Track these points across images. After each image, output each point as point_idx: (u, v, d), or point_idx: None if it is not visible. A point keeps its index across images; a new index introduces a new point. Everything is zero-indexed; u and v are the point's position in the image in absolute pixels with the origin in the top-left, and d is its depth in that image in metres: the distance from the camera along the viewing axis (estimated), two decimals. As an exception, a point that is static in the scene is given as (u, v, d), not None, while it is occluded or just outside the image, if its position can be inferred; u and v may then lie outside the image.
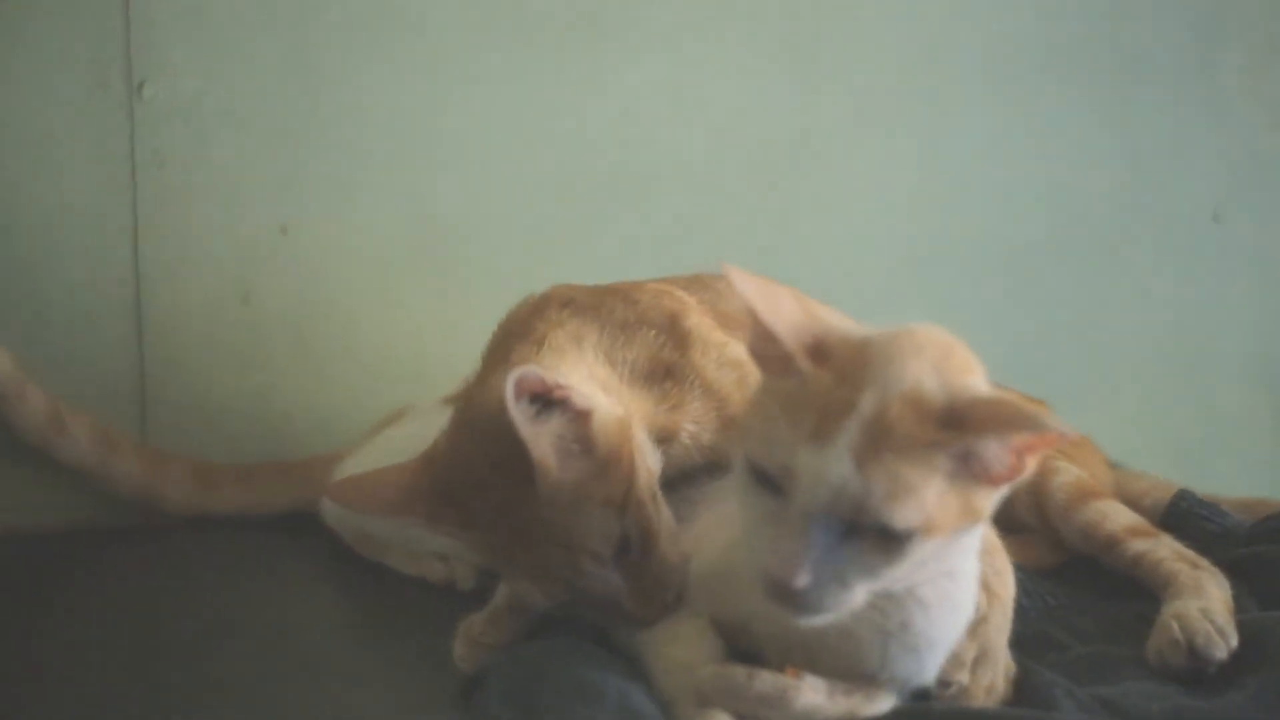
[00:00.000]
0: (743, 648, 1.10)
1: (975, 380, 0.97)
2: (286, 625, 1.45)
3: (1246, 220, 2.31)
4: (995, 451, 0.94)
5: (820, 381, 0.95)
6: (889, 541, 0.93)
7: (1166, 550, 1.37)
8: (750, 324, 0.99)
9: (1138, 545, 1.40)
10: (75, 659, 1.32)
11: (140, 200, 1.74)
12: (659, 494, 1.20)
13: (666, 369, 1.27)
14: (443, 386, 1.70)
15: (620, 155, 2.00)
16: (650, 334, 1.28)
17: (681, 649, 1.11)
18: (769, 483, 0.96)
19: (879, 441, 0.92)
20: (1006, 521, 1.22)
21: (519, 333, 1.28)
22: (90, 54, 1.72)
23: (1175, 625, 1.21)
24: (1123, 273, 2.26)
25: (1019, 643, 1.15)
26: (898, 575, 0.95)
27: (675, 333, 1.30)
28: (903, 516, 0.92)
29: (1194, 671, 1.19)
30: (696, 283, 1.42)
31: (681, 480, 1.27)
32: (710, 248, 2.00)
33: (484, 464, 1.14)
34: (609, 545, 1.15)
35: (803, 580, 0.93)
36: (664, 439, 1.26)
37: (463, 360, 1.72)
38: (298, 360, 1.85)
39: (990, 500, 0.97)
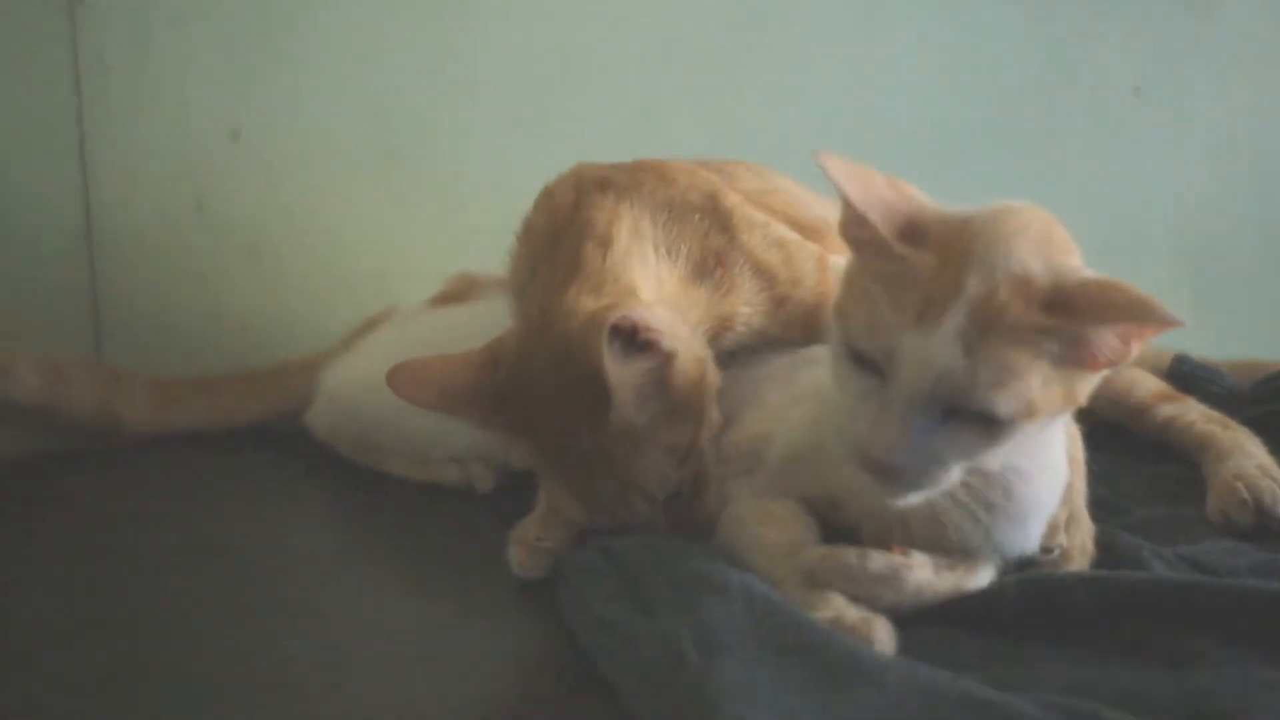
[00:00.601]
0: (835, 525, 1.10)
1: (1076, 262, 0.97)
2: (289, 546, 1.38)
3: (1167, 95, 2.36)
4: (1104, 337, 0.94)
5: (923, 263, 0.95)
6: (990, 425, 0.93)
7: (1196, 413, 1.42)
8: (842, 207, 0.98)
9: (1167, 409, 1.44)
10: (34, 592, 1.22)
11: (85, 110, 1.66)
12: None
13: (717, 257, 1.25)
14: (400, 289, 1.69)
15: (574, 46, 1.96)
16: (695, 218, 1.26)
17: (778, 532, 1.10)
18: (867, 364, 0.96)
19: (986, 326, 0.92)
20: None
21: (575, 229, 1.24)
22: (27, -44, 1.62)
23: (1240, 485, 1.25)
24: (1049, 151, 2.29)
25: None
26: (995, 456, 0.96)
27: (719, 214, 1.28)
28: (1007, 403, 0.92)
29: (1259, 529, 1.22)
30: (707, 166, 1.39)
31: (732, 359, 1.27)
32: (668, 136, 2.00)
33: (554, 382, 1.13)
34: (664, 489, 1.16)
35: (901, 460, 0.94)
36: (721, 330, 1.25)
37: (419, 261, 1.72)
38: (253, 268, 1.80)
39: (1092, 384, 0.97)
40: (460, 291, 1.61)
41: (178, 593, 1.21)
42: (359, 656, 1.07)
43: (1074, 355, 0.94)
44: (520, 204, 1.89)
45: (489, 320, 1.46)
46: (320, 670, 1.04)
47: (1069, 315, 0.92)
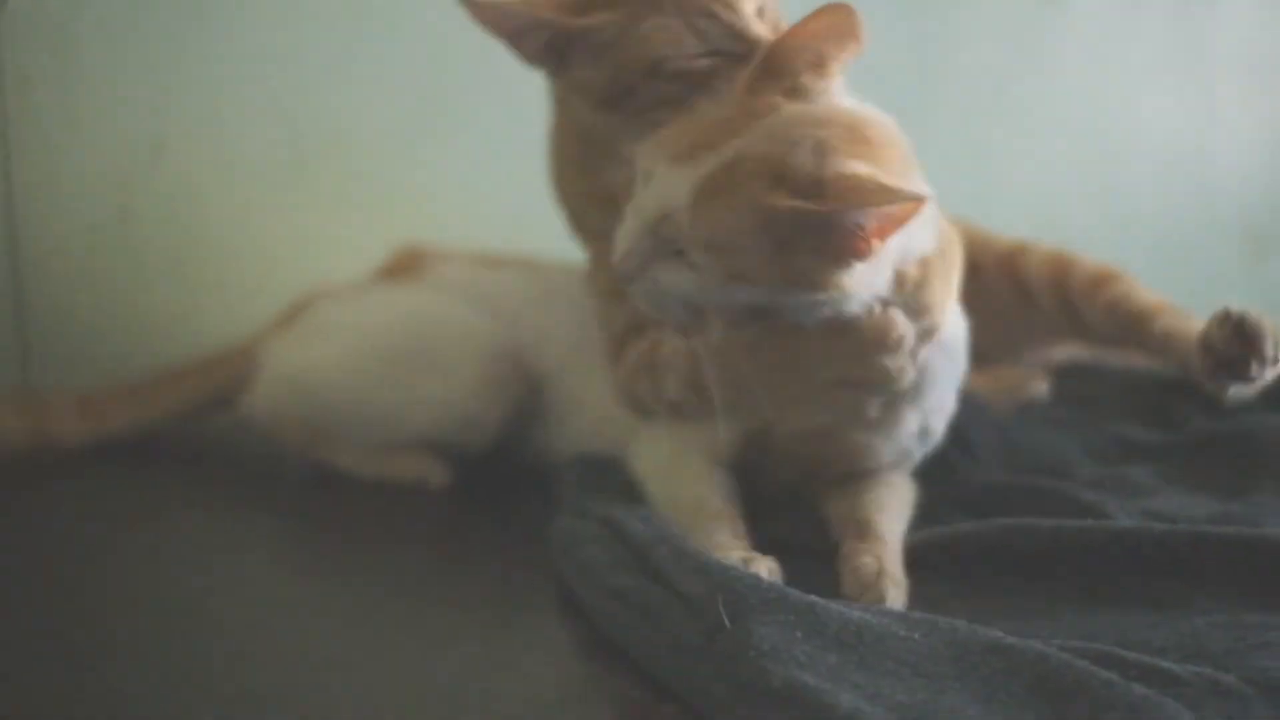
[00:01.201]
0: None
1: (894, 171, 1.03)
2: (221, 554, 1.31)
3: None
4: (847, 224, 0.98)
5: (731, 111, 1.05)
6: (694, 274, 1.02)
7: (1199, 322, 1.20)
8: None
9: (1166, 320, 1.28)
10: None
11: (9, 123, 1.64)
12: None
13: None
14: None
15: (479, 60, 1.97)
16: None
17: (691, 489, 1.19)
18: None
19: (725, 184, 1.00)
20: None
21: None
22: (-54, -36, 1.59)
23: (1230, 309, 1.12)
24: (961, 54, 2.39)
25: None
26: (724, 305, 1.05)
27: None
28: (709, 258, 1.01)
29: (1238, 364, 1.12)
30: None
31: None
32: None
33: None
34: None
35: (629, 269, 1.04)
36: None
37: (338, 267, 1.73)
38: (177, 277, 1.79)
39: (834, 274, 1.01)
40: (407, 264, 1.59)
41: (124, 610, 1.16)
42: (336, 670, 1.02)
43: (819, 245, 1.00)
44: (435, 210, 1.94)
45: (449, 306, 1.50)
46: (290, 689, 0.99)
47: (813, 202, 0.98)
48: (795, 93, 1.06)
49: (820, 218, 0.98)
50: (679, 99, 1.13)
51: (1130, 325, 1.31)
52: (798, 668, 0.87)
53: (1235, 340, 1.11)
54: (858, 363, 1.09)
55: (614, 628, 1.02)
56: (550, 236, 1.56)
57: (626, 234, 1.05)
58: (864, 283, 1.03)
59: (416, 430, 1.47)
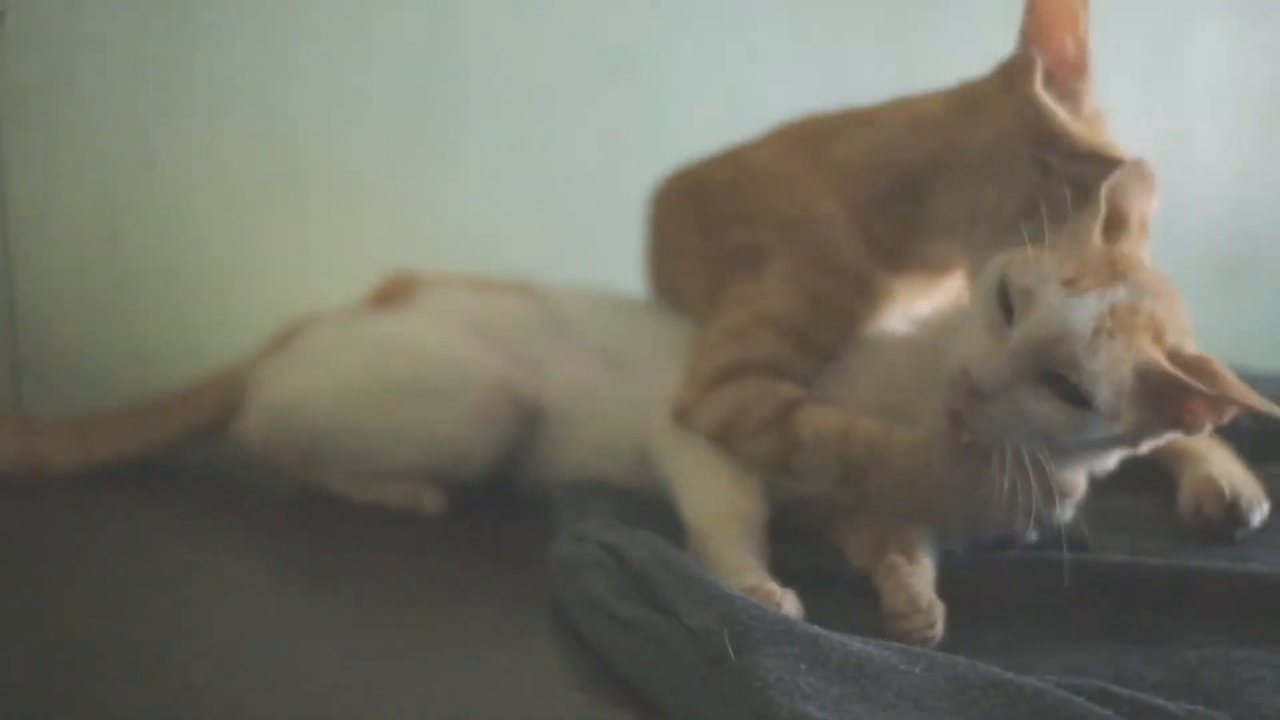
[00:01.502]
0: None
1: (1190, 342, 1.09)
2: (213, 577, 1.31)
3: None
4: (1199, 404, 1.05)
5: (1097, 247, 1.07)
6: (1075, 410, 1.03)
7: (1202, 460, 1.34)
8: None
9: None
10: None
11: (4, 137, 1.64)
12: None
13: None
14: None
15: (470, 79, 2.01)
16: None
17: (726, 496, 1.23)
18: (1003, 301, 1.07)
19: (1120, 328, 1.02)
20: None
21: None
22: (-56, -15, 1.60)
23: (1223, 481, 1.23)
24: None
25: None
26: (1057, 445, 1.05)
27: None
28: (1105, 392, 1.02)
29: (1223, 531, 1.22)
30: None
31: None
32: (558, 162, 2.09)
33: None
34: None
35: (991, 386, 1.03)
36: None
37: (332, 290, 1.74)
38: (169, 296, 1.80)
39: (1155, 442, 1.09)
40: (398, 290, 1.59)
41: (117, 629, 1.15)
42: (330, 694, 1.02)
43: (1162, 409, 1.05)
44: (430, 230, 1.95)
45: (441, 334, 1.50)
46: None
47: (1185, 370, 1.03)
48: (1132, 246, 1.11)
49: (1191, 391, 1.04)
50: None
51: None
52: (802, 699, 0.88)
53: (1227, 516, 1.22)
54: None
55: (616, 656, 1.02)
56: (542, 259, 1.59)
57: (992, 354, 1.05)
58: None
59: (409, 459, 1.47)
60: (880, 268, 1.28)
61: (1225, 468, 1.27)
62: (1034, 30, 1.19)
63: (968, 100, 1.24)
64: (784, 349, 1.28)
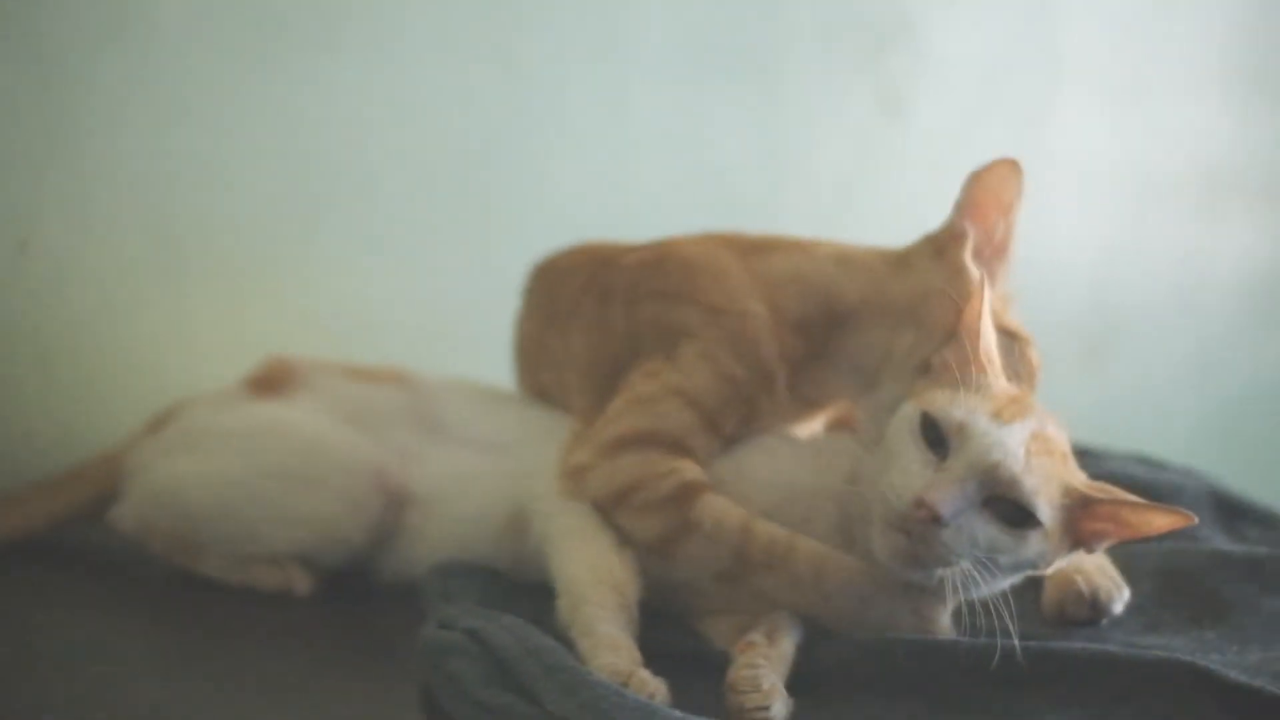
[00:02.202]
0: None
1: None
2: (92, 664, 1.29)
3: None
4: (1104, 527, 1.18)
5: (1005, 386, 1.22)
6: (1016, 528, 1.13)
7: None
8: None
9: None
10: None
11: None
12: None
13: None
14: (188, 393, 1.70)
15: (344, 158, 2.03)
16: None
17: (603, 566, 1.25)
18: (932, 435, 1.16)
19: (1040, 451, 1.15)
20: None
21: None
22: None
23: (1080, 579, 1.27)
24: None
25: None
26: (998, 563, 1.13)
27: None
28: (1042, 509, 1.13)
29: (1090, 623, 1.28)
30: None
31: None
32: (431, 242, 2.12)
33: None
34: None
35: (949, 513, 1.11)
36: None
37: (200, 373, 1.74)
38: (40, 378, 1.79)
39: (1058, 560, 1.19)
40: (275, 376, 1.59)
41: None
42: None
43: (1075, 527, 1.17)
44: (301, 302, 1.96)
45: (315, 421, 1.52)
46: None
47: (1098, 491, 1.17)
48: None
49: (1105, 509, 1.17)
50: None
51: None
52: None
53: (1090, 613, 1.27)
54: None
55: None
56: (418, 344, 1.61)
57: (942, 484, 1.12)
58: None
59: (283, 542, 1.48)
60: (784, 378, 1.34)
61: (1081, 561, 1.30)
62: (969, 207, 1.32)
63: (897, 257, 1.36)
64: (692, 424, 1.30)
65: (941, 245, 1.32)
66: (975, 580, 1.12)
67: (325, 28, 1.99)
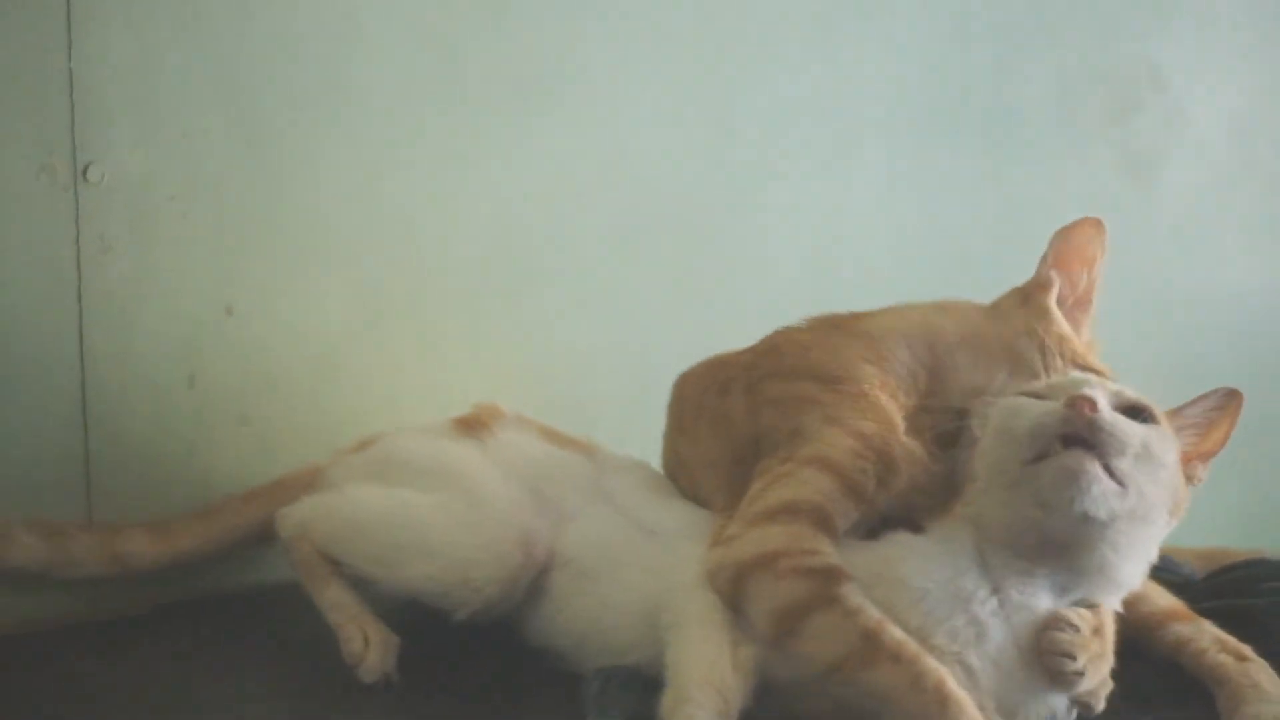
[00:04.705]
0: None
1: None
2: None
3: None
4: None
5: None
6: (1144, 423, 1.22)
7: (1208, 639, 1.38)
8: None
9: (1179, 630, 1.41)
10: None
11: (85, 286, 1.68)
12: None
13: None
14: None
15: (551, 219, 2.04)
16: None
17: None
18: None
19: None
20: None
21: None
22: (34, 135, 1.64)
23: (1247, 711, 1.23)
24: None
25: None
26: (1152, 463, 1.21)
27: None
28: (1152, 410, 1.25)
29: None
30: None
31: None
32: (640, 303, 2.11)
33: None
34: None
35: (1102, 399, 1.20)
36: None
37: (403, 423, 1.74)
38: (243, 438, 1.82)
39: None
40: (480, 422, 1.64)
41: None
42: None
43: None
44: (506, 361, 1.97)
45: (487, 469, 1.56)
46: None
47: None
48: None
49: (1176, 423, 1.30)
50: None
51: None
52: None
53: None
54: None
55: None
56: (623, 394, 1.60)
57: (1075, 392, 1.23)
58: None
59: (416, 577, 1.49)
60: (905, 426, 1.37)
61: (1261, 712, 1.26)
62: (1057, 259, 1.46)
63: (989, 305, 1.49)
64: (832, 489, 1.30)
65: (1028, 293, 1.45)
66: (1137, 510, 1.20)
67: (540, 92, 2.01)
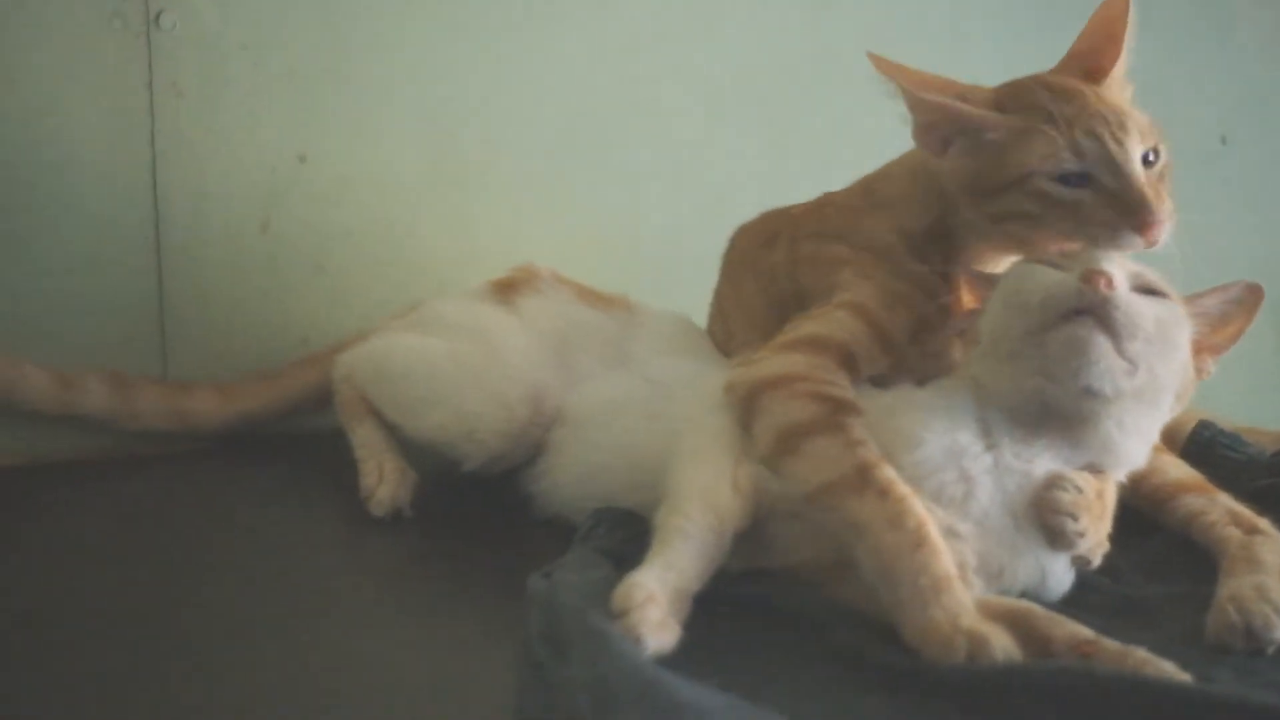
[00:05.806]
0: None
1: None
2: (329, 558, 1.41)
3: (1252, 143, 2.32)
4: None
5: None
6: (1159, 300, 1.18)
7: (1220, 511, 1.32)
8: None
9: (1190, 503, 1.35)
10: (57, 591, 1.27)
11: (158, 131, 1.74)
12: None
13: None
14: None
15: (630, 86, 2.03)
16: None
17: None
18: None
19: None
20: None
21: None
22: (107, -17, 1.70)
23: (1231, 608, 1.14)
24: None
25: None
26: (1166, 344, 1.17)
27: None
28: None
29: (1255, 652, 1.12)
30: None
31: None
32: (719, 176, 2.08)
33: None
34: None
35: (1119, 275, 1.15)
36: None
37: (479, 276, 1.75)
38: (317, 286, 1.87)
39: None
40: (516, 284, 1.66)
41: (204, 601, 1.25)
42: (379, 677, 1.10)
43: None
44: (581, 218, 1.96)
45: (511, 330, 1.58)
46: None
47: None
48: None
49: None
50: (1034, 218, 1.25)
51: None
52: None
53: (1244, 640, 1.14)
54: None
55: (519, 692, 1.02)
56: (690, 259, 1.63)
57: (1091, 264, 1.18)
58: None
59: (429, 427, 1.54)
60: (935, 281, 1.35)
61: (1241, 585, 1.17)
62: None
63: None
64: (862, 333, 1.30)
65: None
66: (1145, 391, 1.17)
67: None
